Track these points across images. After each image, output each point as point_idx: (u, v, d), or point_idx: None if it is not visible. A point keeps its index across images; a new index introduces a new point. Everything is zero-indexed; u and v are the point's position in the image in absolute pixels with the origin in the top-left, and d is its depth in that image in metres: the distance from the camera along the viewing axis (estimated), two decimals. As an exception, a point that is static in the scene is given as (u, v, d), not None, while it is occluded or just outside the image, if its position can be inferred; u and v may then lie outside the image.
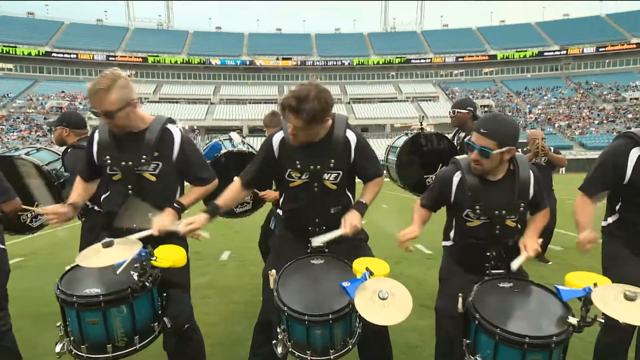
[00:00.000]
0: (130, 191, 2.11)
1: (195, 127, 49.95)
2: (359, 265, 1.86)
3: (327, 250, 2.11)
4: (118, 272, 1.71)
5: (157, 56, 62.13)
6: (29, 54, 56.50)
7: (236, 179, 2.28)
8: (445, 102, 58.54)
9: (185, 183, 2.31)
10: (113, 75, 1.99)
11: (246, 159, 2.92)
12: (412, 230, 2.11)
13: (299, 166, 2.12)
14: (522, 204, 2.12)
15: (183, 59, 63.33)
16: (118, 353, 1.83)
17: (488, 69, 65.36)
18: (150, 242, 1.89)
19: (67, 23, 66.27)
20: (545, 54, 62.63)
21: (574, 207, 2.23)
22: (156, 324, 1.94)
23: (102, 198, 2.26)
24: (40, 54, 57.01)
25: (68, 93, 52.98)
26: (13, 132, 42.43)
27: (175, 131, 2.18)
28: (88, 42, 60.86)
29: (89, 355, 1.80)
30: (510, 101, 57.39)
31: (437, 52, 67.02)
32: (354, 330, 1.90)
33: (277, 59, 66.78)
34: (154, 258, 1.81)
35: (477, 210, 2.07)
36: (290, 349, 1.85)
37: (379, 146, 32.48)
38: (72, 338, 1.84)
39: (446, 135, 4.00)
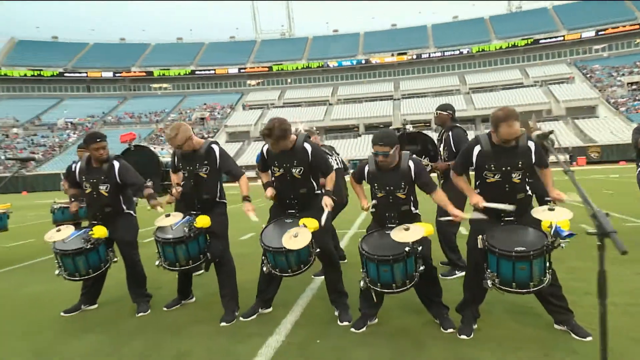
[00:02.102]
0: (192, 182, 3.66)
1: (314, 128, 53.24)
2: (302, 221, 3.14)
3: (297, 215, 3.40)
4: (173, 228, 3.29)
5: (281, 64, 67.46)
6: (179, 74, 66.33)
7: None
8: (582, 82, 52.65)
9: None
10: (178, 125, 3.55)
11: None
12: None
13: (277, 164, 3.45)
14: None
15: (303, 65, 67.63)
16: (182, 268, 3.44)
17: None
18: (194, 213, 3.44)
19: (207, 43, 75.80)
20: None
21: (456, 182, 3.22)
22: (201, 255, 3.47)
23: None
24: (187, 73, 66.51)
25: (209, 105, 60.87)
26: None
27: (216, 148, 3.65)
28: (223, 57, 68.90)
29: (172, 268, 3.43)
30: (665, 75, 49.08)
31: (571, 27, 60.34)
32: (305, 259, 3.18)
33: (392, 55, 67.10)
34: (194, 222, 3.35)
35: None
36: (271, 270, 3.22)
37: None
38: (166, 261, 3.44)
39: (424, 132, 4.87)
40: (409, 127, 4.98)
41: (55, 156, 47.45)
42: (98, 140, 3.81)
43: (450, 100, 55.89)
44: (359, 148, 46.91)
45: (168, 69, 66.40)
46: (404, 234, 2.86)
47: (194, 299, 4.08)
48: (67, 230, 3.62)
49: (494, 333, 3.03)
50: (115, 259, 3.87)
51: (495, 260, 2.74)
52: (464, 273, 3.60)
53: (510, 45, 62.42)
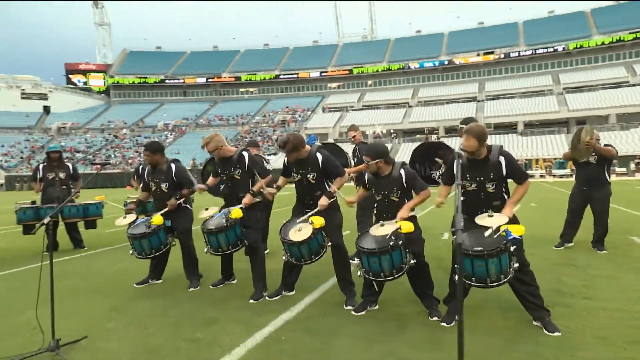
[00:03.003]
0: (229, 183, 4.45)
1: (392, 131, 53.14)
2: (312, 219, 3.76)
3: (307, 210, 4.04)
4: (213, 219, 4.10)
5: (361, 67, 68.13)
6: (264, 78, 69.95)
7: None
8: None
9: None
10: (211, 135, 4.35)
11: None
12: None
13: (295, 171, 4.10)
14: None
15: (384, 67, 67.65)
16: (224, 252, 4.28)
17: None
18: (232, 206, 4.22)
19: (291, 48, 78.89)
20: None
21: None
22: (239, 242, 4.25)
23: (222, 188, 4.69)
24: (272, 77, 69.90)
25: (290, 108, 63.43)
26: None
27: (246, 154, 4.40)
28: (306, 62, 71.29)
29: (217, 253, 4.26)
30: None
31: (691, 17, 53.43)
32: (316, 250, 3.80)
33: (478, 54, 64.54)
34: (229, 214, 4.12)
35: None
36: (288, 259, 3.89)
37: (609, 139, 28.69)
38: (212, 248, 4.28)
39: (446, 144, 5.16)
40: (433, 137, 5.35)
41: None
42: (150, 151, 4.76)
43: (541, 101, 52.46)
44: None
45: (255, 74, 70.34)
46: (381, 230, 3.37)
47: (235, 280, 4.88)
48: (131, 217, 4.63)
49: (474, 323, 3.40)
50: (174, 243, 4.80)
51: (459, 258, 3.14)
52: None
53: (614, 40, 56.93)
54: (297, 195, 4.22)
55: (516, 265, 3.17)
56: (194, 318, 3.77)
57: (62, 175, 7.30)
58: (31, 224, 6.99)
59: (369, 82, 68.29)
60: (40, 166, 7.34)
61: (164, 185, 4.77)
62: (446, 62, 65.46)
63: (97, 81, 72.25)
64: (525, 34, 66.19)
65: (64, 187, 7.29)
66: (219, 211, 4.33)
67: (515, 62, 62.45)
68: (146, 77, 71.00)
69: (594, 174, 5.88)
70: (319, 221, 3.77)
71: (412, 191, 3.71)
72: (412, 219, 3.70)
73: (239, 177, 4.39)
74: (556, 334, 3.13)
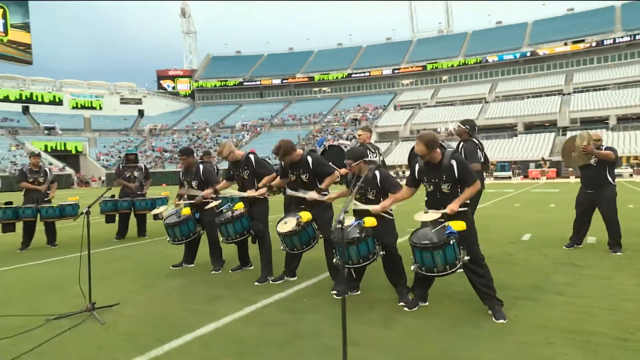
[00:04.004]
0: (240, 183, 5.17)
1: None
2: (300, 213, 4.34)
3: (305, 209, 4.60)
4: (224, 211, 4.85)
5: (435, 62, 66.39)
6: (336, 77, 70.98)
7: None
8: None
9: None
10: (224, 143, 5.08)
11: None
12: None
13: (290, 172, 4.69)
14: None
15: (459, 62, 65.28)
16: (234, 241, 5.00)
17: None
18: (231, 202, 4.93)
19: (364, 46, 79.01)
20: None
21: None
22: (245, 232, 4.96)
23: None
24: (344, 76, 70.71)
25: (362, 106, 63.74)
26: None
27: (252, 157, 5.07)
28: (378, 60, 71.06)
29: (228, 241, 5.03)
30: None
31: None
32: (306, 241, 4.38)
33: (565, 43, 59.81)
34: (233, 206, 4.85)
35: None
36: (285, 249, 4.53)
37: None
38: (223, 236, 5.04)
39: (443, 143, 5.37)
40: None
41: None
42: (182, 155, 5.64)
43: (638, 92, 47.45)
44: (515, 149, 43.59)
45: (327, 74, 71.61)
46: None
47: (252, 267, 5.60)
48: (164, 208, 5.56)
49: (432, 309, 3.80)
50: (202, 232, 5.63)
51: (412, 250, 3.54)
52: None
53: None
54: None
55: (466, 258, 3.50)
56: (204, 295, 4.54)
57: (136, 173, 8.62)
58: (111, 214, 8.42)
59: (444, 77, 66.33)
60: (120, 166, 8.72)
61: (194, 183, 5.63)
62: (528, 54, 61.50)
63: (183, 85, 78.27)
64: (622, 18, 60.02)
65: (138, 184, 8.59)
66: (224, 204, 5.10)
67: (609, 51, 56.97)
68: (226, 80, 75.46)
69: (595, 177, 5.90)
70: (306, 216, 4.34)
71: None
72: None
73: (247, 177, 5.09)
74: (501, 321, 3.42)
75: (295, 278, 4.98)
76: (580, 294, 4.09)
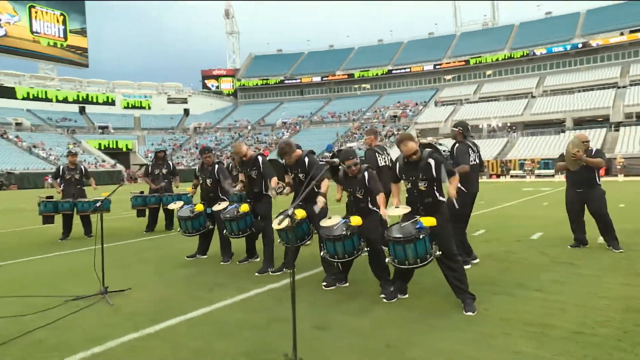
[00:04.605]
0: (247, 181, 5.52)
1: (508, 124, 49.60)
2: (296, 211, 4.61)
3: (302, 206, 4.87)
4: (228, 209, 5.24)
5: (479, 57, 64.45)
6: (376, 74, 70.56)
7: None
8: None
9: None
10: (237, 143, 5.44)
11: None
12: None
13: (289, 171, 4.99)
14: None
15: (505, 55, 63.04)
16: (237, 236, 5.39)
17: None
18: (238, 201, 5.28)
19: (405, 42, 77.93)
20: None
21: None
22: (248, 229, 5.32)
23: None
24: (384, 72, 70.15)
25: (402, 103, 63.05)
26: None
27: (260, 158, 5.40)
28: (419, 55, 69.89)
29: (232, 236, 5.42)
30: None
31: None
32: (301, 237, 4.66)
33: (621, 33, 56.31)
34: (239, 207, 5.21)
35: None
36: (281, 242, 4.84)
37: None
38: (227, 231, 5.43)
39: (435, 144, 5.44)
40: (428, 139, 5.73)
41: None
42: (207, 152, 6.04)
43: None
44: (562, 146, 41.63)
45: (367, 70, 71.32)
46: (328, 221, 4.10)
47: (258, 258, 5.95)
48: (179, 204, 6.02)
49: (410, 301, 4.01)
50: (212, 226, 6.05)
51: (387, 243, 3.75)
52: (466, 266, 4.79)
53: None
54: (294, 191, 5.11)
55: (438, 253, 3.67)
56: (207, 283, 4.94)
57: (164, 171, 9.24)
58: (142, 209, 9.08)
59: (488, 72, 64.27)
60: (150, 164, 9.38)
61: (208, 181, 6.07)
62: (580, 45, 58.41)
63: (226, 85, 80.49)
64: (686, 4, 55.74)
65: (166, 180, 9.21)
66: (231, 204, 5.47)
67: (670, 40, 53.12)
68: (268, 79, 76.86)
69: (584, 177, 6.01)
70: (300, 213, 4.63)
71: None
72: (372, 213, 4.33)
73: (255, 177, 5.44)
74: (469, 313, 3.58)
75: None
76: (560, 292, 4.13)
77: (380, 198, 4.24)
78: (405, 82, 69.75)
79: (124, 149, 57.70)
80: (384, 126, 56.86)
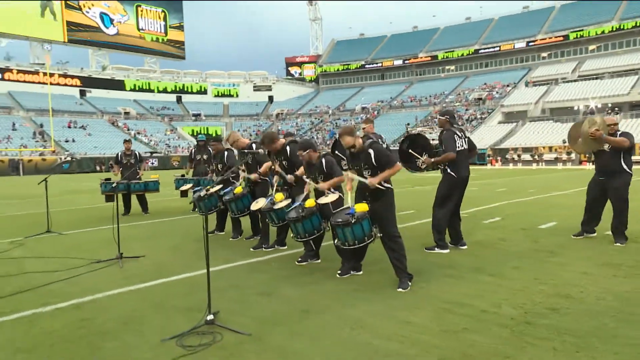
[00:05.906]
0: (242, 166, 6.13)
1: (609, 105, 44.46)
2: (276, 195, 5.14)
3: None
4: (227, 192, 5.89)
5: (581, 30, 58.26)
6: (462, 55, 67.18)
7: None
8: None
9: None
10: (230, 133, 6.06)
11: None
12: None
13: (275, 158, 5.48)
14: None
15: (612, 27, 56.23)
16: (237, 216, 6.07)
17: None
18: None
19: (497, 18, 72.80)
20: None
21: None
22: (245, 209, 5.97)
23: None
24: (470, 53, 66.53)
25: (488, 84, 59.46)
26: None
27: (254, 145, 5.95)
28: (511, 32, 65.01)
29: (235, 216, 6.11)
30: None
31: None
32: (282, 217, 5.18)
33: None
34: (234, 189, 5.85)
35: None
36: (269, 222, 5.41)
37: None
38: (231, 212, 6.12)
39: (424, 134, 5.47)
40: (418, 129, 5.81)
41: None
42: (214, 142, 6.76)
43: None
44: (675, 128, 36.51)
45: (452, 51, 68.16)
46: (324, 198, 4.53)
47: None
48: (189, 185, 6.84)
49: (358, 278, 4.38)
50: (222, 206, 6.79)
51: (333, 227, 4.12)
52: (441, 250, 5.20)
53: None
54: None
55: (380, 235, 3.97)
56: (210, 255, 5.66)
57: (205, 157, 10.24)
58: (185, 191, 10.19)
59: (591, 47, 57.88)
60: (193, 150, 10.45)
61: (219, 167, 6.81)
62: None
63: (309, 71, 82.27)
64: None
65: (206, 165, 10.21)
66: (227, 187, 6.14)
67: None
68: (349, 64, 77.06)
69: (608, 163, 5.54)
70: (279, 197, 5.13)
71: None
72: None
73: (250, 162, 6.04)
74: (400, 289, 3.90)
75: (286, 247, 5.82)
76: (511, 277, 4.18)
77: (332, 181, 4.56)
78: (494, 62, 65.54)
79: (214, 135, 62.28)
80: (467, 109, 54.32)
